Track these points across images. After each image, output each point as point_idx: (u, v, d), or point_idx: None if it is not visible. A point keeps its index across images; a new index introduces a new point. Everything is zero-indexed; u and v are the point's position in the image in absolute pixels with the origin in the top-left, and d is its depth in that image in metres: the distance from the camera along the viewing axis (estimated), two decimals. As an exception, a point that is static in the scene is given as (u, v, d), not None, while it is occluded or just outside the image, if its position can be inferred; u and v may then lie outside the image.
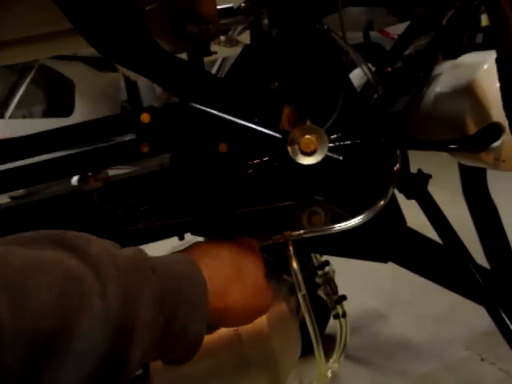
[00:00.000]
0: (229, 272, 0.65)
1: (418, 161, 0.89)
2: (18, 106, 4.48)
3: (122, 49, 0.64)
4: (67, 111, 4.51)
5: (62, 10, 0.54)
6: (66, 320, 0.42)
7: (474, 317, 1.13)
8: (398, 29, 1.18)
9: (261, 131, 0.67)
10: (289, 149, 0.64)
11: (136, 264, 0.51)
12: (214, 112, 0.67)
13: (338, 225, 0.79)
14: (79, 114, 4.44)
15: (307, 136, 0.64)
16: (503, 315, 0.92)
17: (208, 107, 0.67)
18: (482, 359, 1.85)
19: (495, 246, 1.20)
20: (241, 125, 0.67)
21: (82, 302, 0.43)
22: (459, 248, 0.95)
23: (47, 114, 4.86)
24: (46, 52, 1.33)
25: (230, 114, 0.67)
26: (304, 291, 0.80)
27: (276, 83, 0.76)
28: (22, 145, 0.71)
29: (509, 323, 0.91)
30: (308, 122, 0.66)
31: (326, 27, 0.75)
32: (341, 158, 0.68)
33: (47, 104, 4.94)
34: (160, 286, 0.52)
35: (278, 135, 0.66)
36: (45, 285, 0.42)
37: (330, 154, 0.66)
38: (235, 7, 0.92)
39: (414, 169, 1.04)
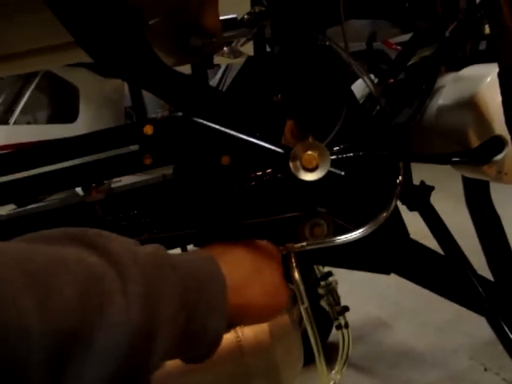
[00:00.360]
0: (248, 269, 0.65)
1: (423, 168, 0.88)
2: (22, 112, 4.51)
3: (122, 62, 0.64)
4: (71, 117, 4.53)
5: (64, 23, 0.55)
6: (88, 318, 0.42)
7: (478, 326, 1.12)
8: (400, 37, 1.18)
9: (262, 146, 0.67)
10: (290, 164, 0.64)
11: (156, 261, 0.51)
12: (216, 126, 0.67)
13: (341, 237, 0.79)
14: (83, 121, 4.46)
15: (309, 152, 0.64)
16: (504, 326, 0.91)
17: (209, 121, 0.68)
18: (486, 369, 1.84)
19: (498, 256, 1.19)
20: (242, 139, 0.67)
21: (104, 300, 0.43)
22: (461, 259, 0.95)
23: (52, 120, 4.88)
24: (54, 63, 1.34)
25: (231, 128, 0.67)
26: (306, 304, 0.80)
27: (279, 95, 0.76)
28: (24, 156, 0.72)
29: (510, 334, 0.90)
30: (310, 138, 0.66)
31: (327, 43, 0.75)
32: (343, 173, 0.68)
33: (52, 110, 4.95)
34: (180, 283, 0.52)
35: (280, 150, 0.66)
36: (67, 283, 0.42)
37: (332, 170, 0.66)
38: (238, 19, 0.92)
39: (419, 175, 1.04)
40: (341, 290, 1.15)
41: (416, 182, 1.02)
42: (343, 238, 0.79)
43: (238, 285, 0.61)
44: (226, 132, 0.67)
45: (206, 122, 0.67)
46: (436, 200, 1.02)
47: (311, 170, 0.64)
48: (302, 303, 0.81)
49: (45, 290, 0.40)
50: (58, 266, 0.43)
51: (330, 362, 1.47)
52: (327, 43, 0.75)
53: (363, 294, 2.28)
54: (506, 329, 0.90)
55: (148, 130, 0.74)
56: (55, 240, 0.47)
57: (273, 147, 0.67)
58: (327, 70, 0.78)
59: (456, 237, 1.10)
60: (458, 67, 0.98)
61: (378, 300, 2.27)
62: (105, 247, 0.47)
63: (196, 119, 0.68)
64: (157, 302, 0.48)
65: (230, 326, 0.61)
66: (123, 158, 0.77)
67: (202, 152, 0.74)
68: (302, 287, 0.81)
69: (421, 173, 1.07)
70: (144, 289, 0.47)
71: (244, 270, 0.65)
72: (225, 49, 0.91)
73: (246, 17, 0.88)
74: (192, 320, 0.52)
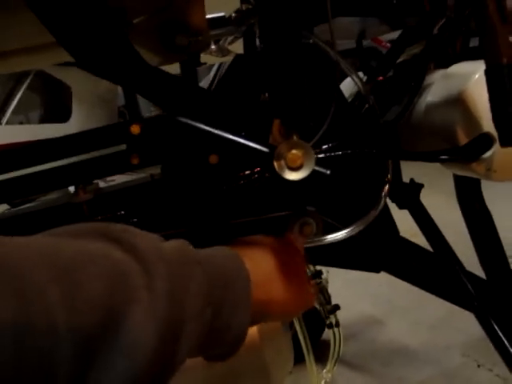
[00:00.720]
0: (272, 265, 0.64)
1: (415, 165, 0.88)
2: (15, 112, 4.49)
3: (104, 61, 0.63)
4: (64, 117, 4.52)
5: (44, 23, 0.54)
6: (115, 314, 0.41)
7: (471, 323, 1.13)
8: (391, 35, 1.18)
9: (247, 145, 0.66)
10: (275, 164, 0.64)
11: (181, 257, 0.50)
12: (200, 125, 0.67)
13: (330, 236, 0.79)
14: (76, 120, 4.45)
15: (294, 151, 0.63)
16: (493, 323, 0.91)
17: (195, 120, 0.67)
18: (479, 365, 1.85)
19: (489, 252, 1.19)
20: (227, 138, 0.67)
21: (130, 296, 0.42)
22: (450, 257, 0.94)
23: (44, 119, 4.86)
24: (49, 61, 1.32)
25: (217, 127, 0.67)
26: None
27: (266, 94, 0.76)
28: (6, 157, 0.71)
29: (498, 331, 0.90)
30: (295, 137, 0.65)
31: (312, 41, 0.75)
32: (328, 172, 0.68)
33: (44, 110, 4.94)
34: (206, 280, 0.51)
35: (265, 149, 0.66)
36: (94, 277, 0.41)
37: (317, 169, 0.65)
38: (226, 16, 0.92)
39: (411, 172, 1.04)
40: (334, 288, 1.16)
41: (408, 178, 1.01)
42: (332, 237, 0.79)
43: (262, 281, 0.61)
44: (210, 131, 0.67)
45: (189, 121, 0.67)
46: (428, 196, 1.02)
47: (296, 169, 0.64)
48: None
49: (71, 284, 0.39)
50: (84, 260, 0.42)
51: (324, 360, 1.48)
52: (312, 41, 0.74)
53: (356, 291, 2.28)
54: (495, 326, 0.90)
55: (135, 129, 0.73)
56: (80, 234, 0.46)
57: (257, 146, 0.66)
58: (314, 68, 0.77)
59: (448, 233, 1.10)
60: (448, 64, 0.98)
61: (371, 298, 2.28)
62: (130, 242, 0.46)
63: (180, 118, 0.67)
64: (183, 298, 0.47)
65: (252, 323, 0.60)
66: (110, 158, 0.76)
67: (189, 151, 0.73)
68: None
69: (414, 169, 1.06)
70: (170, 285, 0.46)
71: (268, 267, 0.64)
72: (212, 47, 0.91)
73: (233, 15, 0.87)
74: (217, 317, 0.51)
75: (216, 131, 0.66)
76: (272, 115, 0.74)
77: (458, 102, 0.82)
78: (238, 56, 0.87)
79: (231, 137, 0.67)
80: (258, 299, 0.58)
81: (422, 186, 0.94)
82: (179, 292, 0.47)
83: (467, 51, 1.04)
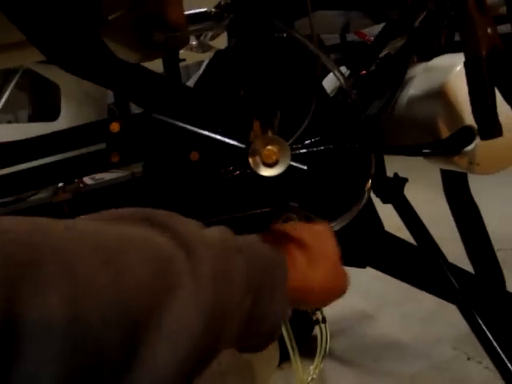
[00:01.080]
0: (308, 252, 0.63)
1: (403, 158, 0.88)
2: (3, 111, 4.46)
3: (76, 59, 0.62)
4: (53, 115, 4.49)
5: (14, 22, 0.53)
6: (159, 299, 0.40)
7: (461, 316, 1.13)
8: (374, 30, 1.17)
9: (223, 141, 0.66)
10: (250, 160, 0.63)
11: (223, 244, 0.49)
12: (177, 123, 0.66)
13: (313, 231, 0.78)
14: (65, 118, 4.42)
15: (269, 147, 0.62)
16: (476, 316, 0.91)
17: (171, 117, 0.66)
18: (469, 358, 1.85)
19: (476, 245, 1.19)
20: (203, 135, 0.66)
21: (174, 281, 0.41)
22: (434, 250, 0.94)
23: (33, 118, 4.83)
24: (25, 59, 1.31)
25: (193, 124, 0.66)
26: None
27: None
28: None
29: (482, 324, 0.90)
30: (269, 133, 0.65)
31: (284, 35, 0.74)
32: (305, 167, 0.67)
33: (33, 108, 4.90)
34: (247, 267, 0.50)
35: (240, 145, 0.65)
36: (139, 261, 0.40)
37: (293, 164, 0.65)
38: (208, 11, 0.90)
39: (399, 166, 1.03)
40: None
41: (394, 172, 1.01)
42: (316, 233, 0.78)
43: (299, 268, 0.60)
44: (186, 128, 0.66)
45: (166, 119, 0.66)
46: (415, 190, 1.01)
47: (271, 166, 0.63)
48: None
49: (118, 268, 0.39)
50: (129, 244, 0.41)
51: (314, 355, 1.48)
52: (289, 34, 0.74)
53: (346, 286, 2.28)
54: (479, 319, 0.90)
55: (114, 127, 0.72)
56: (123, 219, 0.46)
57: (234, 142, 0.66)
58: (294, 62, 0.77)
59: (436, 227, 1.10)
60: (431, 57, 0.98)
61: (361, 292, 2.27)
62: (174, 228, 0.46)
63: (157, 116, 0.67)
64: (226, 285, 0.46)
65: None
66: (90, 157, 0.75)
67: (169, 149, 0.73)
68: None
69: (402, 162, 1.05)
70: (214, 271, 0.45)
71: (304, 254, 0.63)
72: (193, 43, 0.90)
73: (213, 10, 0.86)
74: (256, 305, 0.50)
75: (192, 128, 0.66)
76: (250, 112, 0.73)
77: (440, 95, 0.81)
78: (218, 52, 0.86)
79: (207, 133, 0.66)
80: (295, 286, 0.57)
81: (406, 180, 0.94)
82: (222, 278, 0.46)
83: (452, 45, 1.04)
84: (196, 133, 0.66)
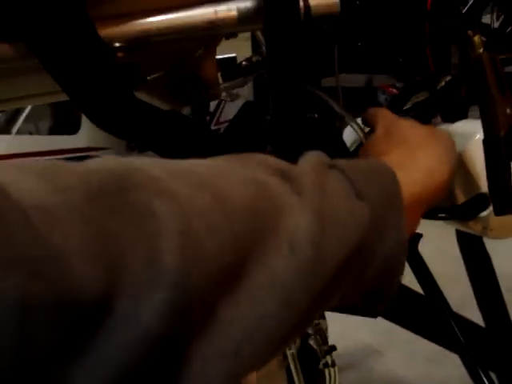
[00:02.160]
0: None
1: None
2: (25, 121, 4.52)
3: (112, 120, 0.64)
4: (73, 129, 4.55)
5: (58, 81, 0.56)
6: (265, 219, 0.36)
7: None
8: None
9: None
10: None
11: (319, 163, 0.44)
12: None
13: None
14: (85, 133, 4.47)
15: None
16: (479, 370, 0.92)
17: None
18: (474, 401, 1.85)
19: (489, 299, 1.20)
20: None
21: (280, 210, 0.37)
22: (440, 300, 0.96)
23: (53, 130, 4.89)
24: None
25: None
26: (293, 349, 0.82)
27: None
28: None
29: (484, 379, 0.91)
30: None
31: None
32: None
33: (54, 121, 4.97)
34: (346, 180, 0.44)
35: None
36: (236, 184, 0.37)
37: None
38: (239, 64, 0.93)
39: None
40: (332, 316, 1.16)
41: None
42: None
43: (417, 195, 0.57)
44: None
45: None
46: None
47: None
48: (289, 348, 0.82)
49: (214, 190, 0.34)
50: (219, 170, 0.38)
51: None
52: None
53: (355, 320, 2.29)
54: (481, 372, 0.91)
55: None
56: (215, 159, 0.41)
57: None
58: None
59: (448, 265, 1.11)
60: (454, 118, 0.99)
61: (370, 327, 2.28)
62: (274, 163, 0.42)
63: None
64: (334, 214, 0.40)
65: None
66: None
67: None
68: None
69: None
70: (321, 201, 0.39)
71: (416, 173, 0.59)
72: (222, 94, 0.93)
73: (244, 63, 0.89)
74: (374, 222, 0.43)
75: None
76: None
77: (458, 162, 0.83)
78: (246, 103, 0.89)
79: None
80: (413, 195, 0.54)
81: (420, 235, 0.95)
82: (330, 208, 0.40)
83: (473, 96, 1.06)
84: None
